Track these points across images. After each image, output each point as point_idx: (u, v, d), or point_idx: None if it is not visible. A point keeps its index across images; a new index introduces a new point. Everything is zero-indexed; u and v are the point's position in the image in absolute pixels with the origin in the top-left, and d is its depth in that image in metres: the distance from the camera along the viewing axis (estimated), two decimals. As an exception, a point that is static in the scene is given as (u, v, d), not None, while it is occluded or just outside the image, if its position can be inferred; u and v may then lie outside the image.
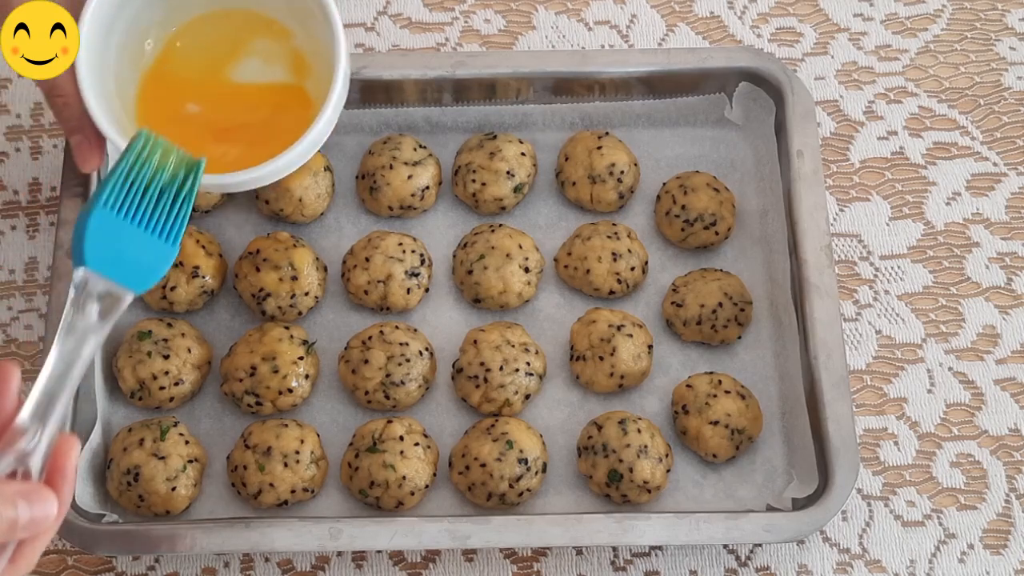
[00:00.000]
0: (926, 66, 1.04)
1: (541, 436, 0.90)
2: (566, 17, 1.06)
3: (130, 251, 0.74)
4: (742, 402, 0.90)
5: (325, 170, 0.97)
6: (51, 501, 0.66)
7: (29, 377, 0.93)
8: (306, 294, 0.93)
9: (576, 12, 1.06)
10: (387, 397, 0.90)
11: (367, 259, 0.93)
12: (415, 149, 0.97)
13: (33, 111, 1.02)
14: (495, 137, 0.98)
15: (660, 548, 0.89)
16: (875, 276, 0.97)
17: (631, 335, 0.91)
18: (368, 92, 0.99)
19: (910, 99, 1.03)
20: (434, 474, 0.89)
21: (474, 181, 0.96)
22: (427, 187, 0.96)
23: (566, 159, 0.98)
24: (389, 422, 0.89)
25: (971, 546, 0.90)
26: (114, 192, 0.74)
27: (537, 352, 0.92)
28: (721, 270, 0.95)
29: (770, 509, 0.88)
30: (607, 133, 0.98)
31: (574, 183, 0.97)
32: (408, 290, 0.93)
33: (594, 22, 1.05)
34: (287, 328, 0.92)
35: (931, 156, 1.01)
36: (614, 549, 0.89)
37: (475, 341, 0.91)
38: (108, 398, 0.92)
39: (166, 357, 0.90)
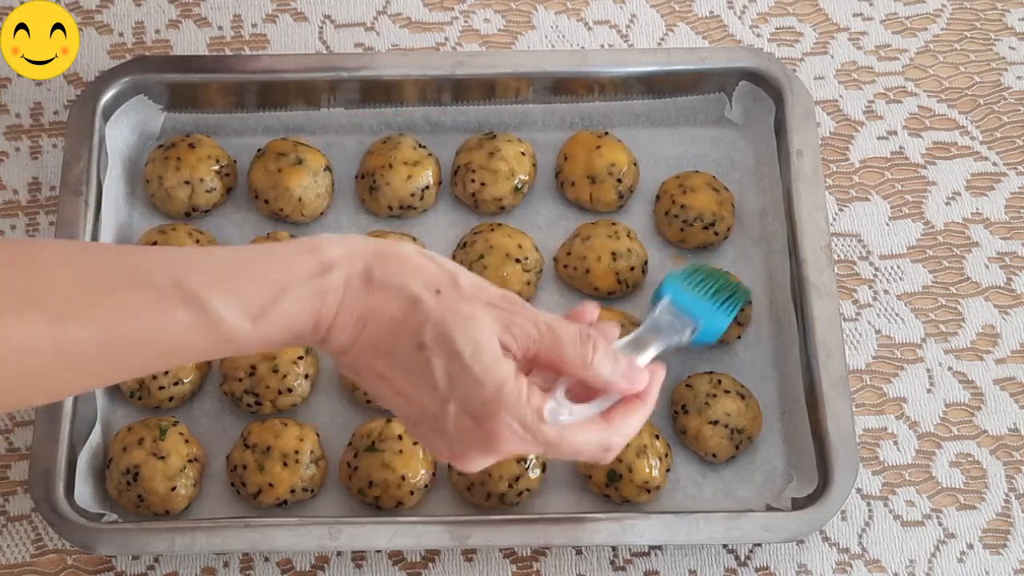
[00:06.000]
0: (926, 66, 1.04)
1: (541, 436, 0.90)
2: (566, 17, 1.06)
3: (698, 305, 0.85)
4: (742, 402, 0.90)
5: (325, 170, 0.97)
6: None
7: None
8: (306, 294, 0.93)
9: (576, 12, 1.06)
10: (387, 397, 0.90)
11: (367, 259, 0.93)
12: (415, 149, 0.97)
13: (33, 111, 1.02)
14: (495, 137, 0.98)
15: (660, 548, 0.89)
16: (875, 276, 0.97)
17: (631, 335, 0.91)
18: (368, 92, 0.99)
19: (910, 99, 1.03)
20: (433, 474, 0.89)
21: (473, 181, 0.96)
22: (427, 187, 0.97)
23: (566, 159, 0.98)
24: (388, 422, 0.89)
25: (970, 546, 0.90)
26: (690, 275, 0.87)
27: (537, 352, 0.91)
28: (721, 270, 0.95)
29: (770, 509, 0.88)
30: (607, 133, 0.98)
31: (573, 183, 0.97)
32: (408, 290, 0.93)
33: (594, 22, 1.06)
34: (287, 328, 0.92)
35: (931, 156, 1.01)
36: (614, 549, 0.89)
37: (475, 341, 0.91)
38: (108, 397, 0.92)
39: (166, 357, 0.90)
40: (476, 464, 0.71)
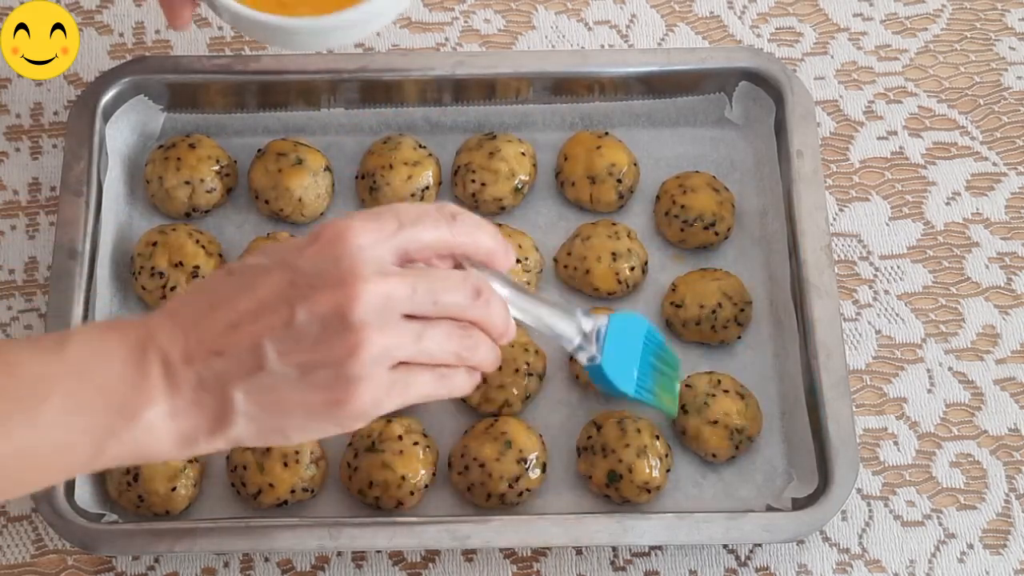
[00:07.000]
0: (926, 66, 1.04)
1: (541, 436, 0.90)
2: (566, 17, 1.06)
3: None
4: (741, 402, 0.90)
5: (325, 170, 0.97)
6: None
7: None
8: (306, 294, 0.93)
9: (576, 12, 1.06)
10: (387, 397, 0.90)
11: (367, 259, 0.93)
12: (415, 149, 0.97)
13: (33, 111, 1.02)
14: (495, 137, 0.98)
15: (660, 548, 0.89)
16: (875, 276, 0.97)
17: (631, 335, 0.91)
18: (368, 92, 0.99)
19: (910, 99, 1.03)
20: (433, 474, 0.89)
21: (474, 181, 0.96)
22: (427, 187, 0.96)
23: (566, 159, 0.98)
24: (388, 422, 0.89)
25: (971, 546, 0.90)
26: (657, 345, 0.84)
27: (537, 352, 0.92)
28: (721, 270, 0.95)
29: (770, 509, 0.88)
30: (607, 133, 0.98)
31: (574, 183, 0.97)
32: (408, 290, 0.93)
33: (594, 22, 1.06)
34: (287, 328, 0.91)
35: (931, 156, 1.01)
36: (614, 549, 0.89)
37: (475, 341, 0.91)
38: (108, 398, 0.92)
39: (166, 357, 0.90)
40: (371, 295, 0.65)
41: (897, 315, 0.96)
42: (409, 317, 0.67)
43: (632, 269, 0.94)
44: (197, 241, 0.94)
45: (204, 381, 0.65)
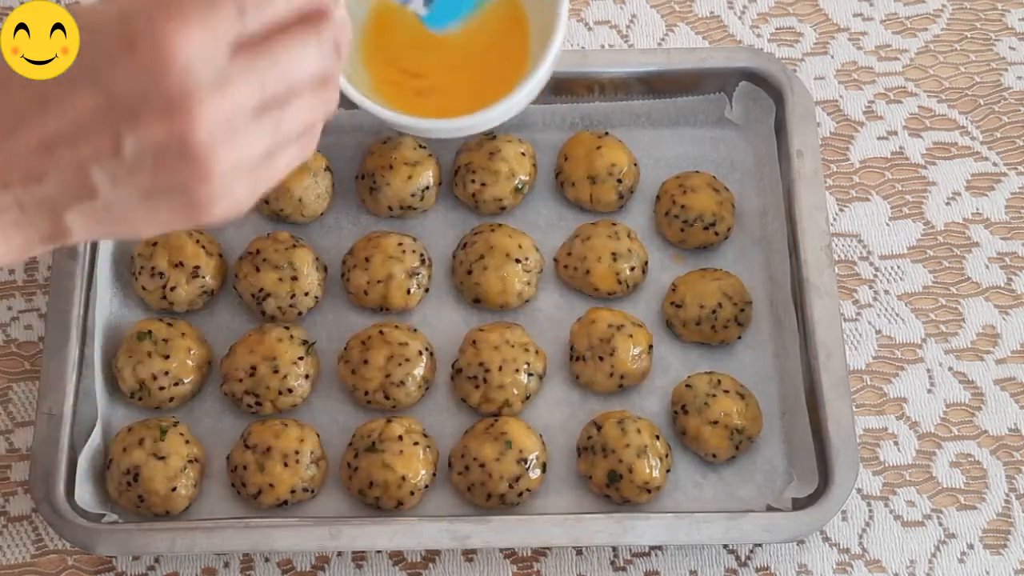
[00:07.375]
0: (926, 66, 1.04)
1: (541, 436, 0.90)
2: (566, 17, 1.06)
3: None
4: (741, 402, 0.90)
5: (325, 170, 0.97)
6: None
7: (28, 378, 0.94)
8: (306, 294, 0.93)
9: (576, 12, 1.06)
10: (387, 397, 0.90)
11: (367, 259, 0.93)
12: (415, 149, 0.97)
13: (33, 111, 1.02)
14: (495, 137, 0.98)
15: (660, 548, 0.89)
16: (875, 276, 0.97)
17: (631, 335, 0.91)
18: (368, 92, 0.99)
19: (910, 99, 1.03)
20: (434, 474, 0.89)
21: (474, 181, 0.96)
22: (427, 187, 0.96)
23: (566, 159, 0.98)
24: (388, 422, 0.89)
25: (971, 546, 0.90)
26: None
27: (537, 352, 0.92)
28: (721, 270, 0.95)
29: (770, 509, 0.88)
30: (607, 133, 0.98)
31: (574, 183, 0.97)
32: (408, 290, 0.93)
33: (594, 22, 1.06)
34: (287, 328, 0.92)
35: (931, 156, 1.01)
36: (614, 549, 0.89)
37: (474, 341, 0.91)
38: (108, 398, 0.92)
39: (166, 357, 0.90)
40: (208, 120, 0.55)
41: (897, 315, 0.96)
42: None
43: (632, 269, 0.94)
44: (197, 241, 0.94)
45: (26, 206, 0.57)
